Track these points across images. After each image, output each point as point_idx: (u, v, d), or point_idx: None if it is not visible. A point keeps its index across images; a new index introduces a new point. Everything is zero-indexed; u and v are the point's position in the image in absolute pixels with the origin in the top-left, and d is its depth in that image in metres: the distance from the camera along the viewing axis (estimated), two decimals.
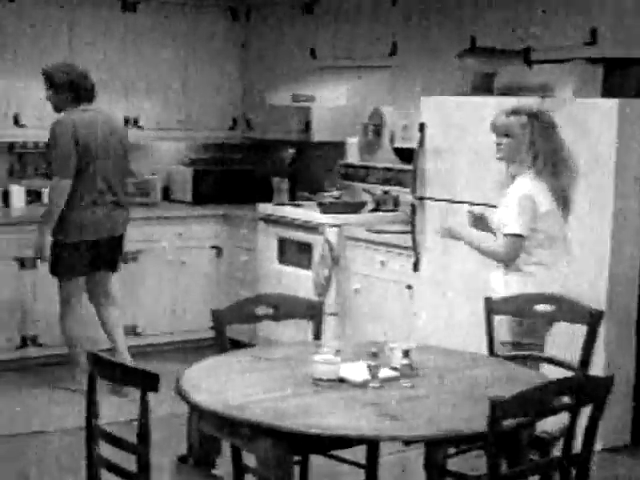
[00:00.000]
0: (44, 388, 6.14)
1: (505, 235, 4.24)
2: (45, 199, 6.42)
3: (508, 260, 4.27)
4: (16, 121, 6.77)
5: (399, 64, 6.33)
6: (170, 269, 7.03)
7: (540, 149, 4.25)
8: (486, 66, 5.59)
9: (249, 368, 3.71)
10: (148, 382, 3.07)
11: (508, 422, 2.96)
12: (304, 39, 7.04)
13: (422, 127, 5.44)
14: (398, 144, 6.33)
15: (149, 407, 3.08)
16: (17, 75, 6.70)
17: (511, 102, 4.55)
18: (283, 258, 6.67)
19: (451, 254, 5.29)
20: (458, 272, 5.30)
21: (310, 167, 7.41)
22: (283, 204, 6.91)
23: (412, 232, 5.50)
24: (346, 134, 6.83)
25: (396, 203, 6.42)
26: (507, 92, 5.31)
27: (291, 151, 7.19)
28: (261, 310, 4.24)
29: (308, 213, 6.44)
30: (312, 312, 4.30)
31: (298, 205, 6.77)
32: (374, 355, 3.53)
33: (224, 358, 3.87)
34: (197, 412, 3.38)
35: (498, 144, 4.35)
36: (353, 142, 6.83)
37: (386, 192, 6.50)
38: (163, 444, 3.74)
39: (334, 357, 3.53)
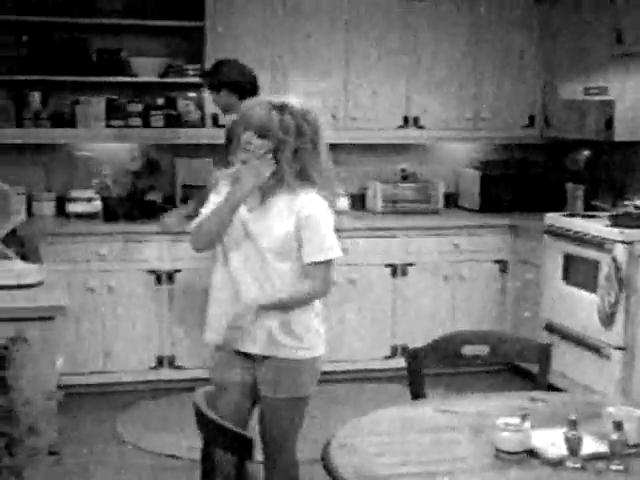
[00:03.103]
0: None
1: (323, 262, 3.32)
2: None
3: (328, 291, 3.38)
4: None
5: None
6: (446, 284, 6.29)
7: (308, 161, 3.30)
8: None
9: (423, 425, 2.97)
10: (240, 447, 2.43)
11: None
12: (609, 21, 6.00)
13: None
14: None
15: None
16: (292, 71, 6.29)
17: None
18: (568, 277, 5.72)
19: None
20: None
21: (610, 171, 6.35)
22: (573, 214, 5.93)
23: None
24: None
25: None
26: None
27: (586, 153, 6.18)
28: (470, 350, 3.48)
29: (597, 226, 5.45)
30: (536, 355, 3.46)
31: (590, 216, 5.78)
32: (574, 423, 2.64)
33: (402, 409, 3.16)
34: None
35: (248, 143, 3.29)
36: None
37: None
38: None
39: (522, 422, 2.71)
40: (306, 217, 3.29)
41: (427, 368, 3.41)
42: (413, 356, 3.40)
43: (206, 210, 3.41)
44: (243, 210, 3.34)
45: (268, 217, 3.33)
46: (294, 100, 3.36)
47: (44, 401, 3.64)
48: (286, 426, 3.41)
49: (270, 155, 3.26)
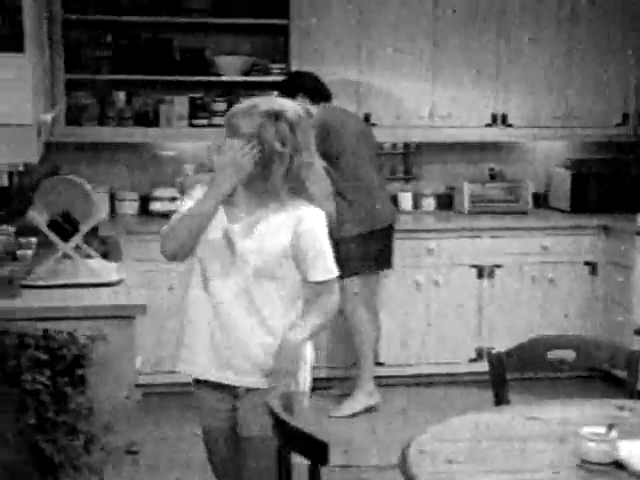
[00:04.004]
0: None
1: (329, 280, 3.10)
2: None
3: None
4: None
5: None
6: (534, 287, 6.13)
7: (304, 174, 3.00)
8: None
9: (505, 432, 2.86)
10: (314, 451, 2.36)
11: None
12: None
13: None
14: None
15: None
16: (378, 70, 6.19)
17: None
18: None
19: None
20: None
21: None
22: None
23: None
24: None
25: None
26: None
27: None
28: (555, 354, 3.36)
29: None
30: (625, 361, 3.31)
31: None
32: None
33: (484, 415, 3.04)
34: None
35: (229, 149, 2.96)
36: None
37: None
38: None
39: (609, 431, 2.58)
40: (306, 231, 3.01)
41: (511, 373, 3.29)
42: (496, 361, 3.28)
43: (178, 214, 3.07)
44: (227, 224, 3.04)
45: (259, 233, 3.02)
46: (288, 105, 3.04)
47: (122, 400, 3.63)
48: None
49: (254, 148, 2.93)
